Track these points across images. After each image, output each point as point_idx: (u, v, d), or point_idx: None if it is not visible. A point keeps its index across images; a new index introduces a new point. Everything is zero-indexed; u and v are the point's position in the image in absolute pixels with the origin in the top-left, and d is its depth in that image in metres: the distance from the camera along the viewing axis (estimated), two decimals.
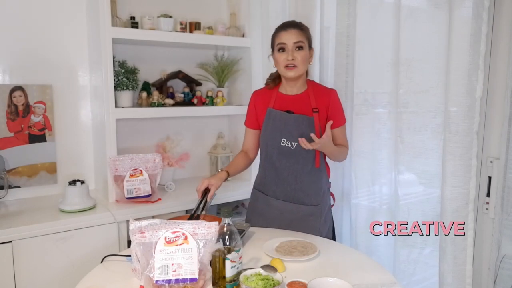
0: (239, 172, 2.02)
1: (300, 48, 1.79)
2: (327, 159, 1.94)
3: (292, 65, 1.78)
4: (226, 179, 1.88)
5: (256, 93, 2.01)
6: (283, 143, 1.84)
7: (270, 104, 1.91)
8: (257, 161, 2.05)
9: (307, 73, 1.93)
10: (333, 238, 1.99)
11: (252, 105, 1.99)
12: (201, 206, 1.76)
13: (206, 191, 1.80)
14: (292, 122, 1.83)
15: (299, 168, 1.86)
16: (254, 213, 1.99)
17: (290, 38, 1.78)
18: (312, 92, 1.87)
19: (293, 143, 1.83)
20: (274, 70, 1.93)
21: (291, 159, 1.85)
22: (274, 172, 1.90)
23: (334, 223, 2.03)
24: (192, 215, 1.72)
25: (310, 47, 1.85)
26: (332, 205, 2.02)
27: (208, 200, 1.78)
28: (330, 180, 1.98)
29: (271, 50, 1.89)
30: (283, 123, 1.85)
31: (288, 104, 1.88)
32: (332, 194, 2.02)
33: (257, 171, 2.04)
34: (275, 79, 1.94)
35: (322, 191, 1.90)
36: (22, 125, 2.19)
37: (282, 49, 1.80)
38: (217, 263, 1.28)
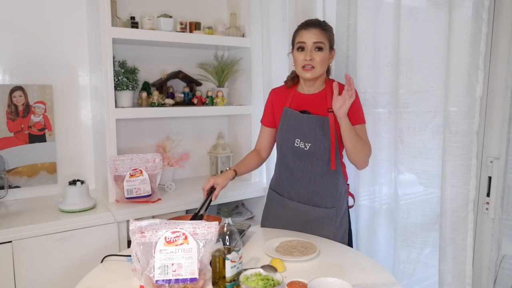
0: (249, 171, 2.01)
1: (319, 49, 1.74)
2: (345, 160, 1.87)
3: (310, 66, 1.74)
4: (233, 178, 1.87)
5: (274, 91, 1.98)
6: (297, 143, 1.81)
7: (287, 103, 1.87)
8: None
9: (328, 71, 1.89)
10: (350, 243, 1.93)
11: (269, 103, 1.96)
12: (206, 205, 1.75)
13: (211, 190, 1.79)
14: (306, 122, 1.80)
15: (313, 170, 1.81)
16: (270, 213, 1.97)
17: (310, 37, 1.74)
18: (330, 91, 1.81)
19: (306, 144, 1.79)
20: (292, 68, 1.89)
21: (305, 160, 1.82)
22: (289, 173, 1.87)
23: None
24: (196, 214, 1.71)
25: (331, 48, 1.81)
26: (352, 206, 1.97)
27: (213, 199, 1.77)
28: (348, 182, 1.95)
29: (291, 47, 1.85)
30: (297, 123, 1.82)
31: (304, 104, 1.84)
32: (352, 195, 1.98)
33: (257, 170, 2.04)
34: (294, 78, 1.91)
35: (338, 194, 1.85)
36: (22, 125, 2.19)
37: (301, 48, 1.76)
38: (217, 263, 1.28)
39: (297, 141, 1.81)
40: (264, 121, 1.99)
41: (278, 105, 1.91)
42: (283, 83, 1.96)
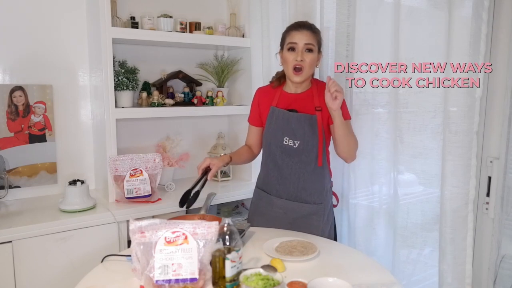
0: (242, 162, 2.04)
1: (309, 50, 1.79)
2: (331, 158, 1.94)
3: (300, 67, 1.78)
4: (227, 164, 1.90)
5: (260, 90, 2.02)
6: (285, 141, 1.85)
7: (274, 102, 1.91)
8: (258, 160, 2.05)
9: (313, 73, 1.94)
10: (335, 237, 2.00)
11: (256, 102, 2.00)
12: (201, 183, 1.77)
13: (206, 170, 1.81)
14: (295, 120, 1.83)
15: (301, 167, 1.86)
16: (257, 212, 1.99)
17: (301, 38, 1.78)
18: (316, 90, 1.87)
19: (295, 141, 1.83)
20: (280, 68, 1.93)
21: (293, 157, 1.86)
22: (277, 171, 1.90)
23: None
24: (190, 191, 1.72)
25: (319, 50, 1.85)
26: (336, 205, 2.02)
27: (208, 178, 1.78)
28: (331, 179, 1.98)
29: (279, 47, 1.88)
30: (286, 122, 1.85)
31: (291, 103, 1.88)
32: (335, 194, 2.02)
33: (257, 170, 2.04)
34: (280, 78, 1.94)
35: (325, 190, 1.90)
36: (22, 125, 2.19)
37: (292, 49, 1.80)
38: (217, 263, 1.28)
39: (286, 139, 1.84)
40: (251, 120, 2.03)
41: (265, 104, 1.94)
42: (269, 83, 2.00)
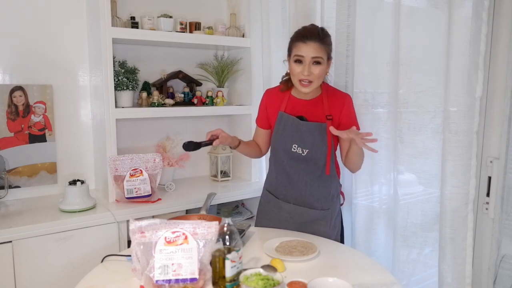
0: (247, 153, 2.00)
1: (317, 63, 1.71)
2: (341, 164, 1.93)
3: (307, 81, 1.72)
4: (235, 147, 1.89)
5: (268, 93, 1.96)
6: (294, 149, 1.82)
7: (282, 107, 1.86)
8: (259, 160, 2.04)
9: None
10: (342, 243, 1.97)
11: (264, 105, 1.96)
12: (206, 142, 1.79)
13: (214, 138, 1.81)
14: (305, 129, 1.80)
15: (309, 174, 1.84)
16: (265, 215, 1.98)
17: (308, 52, 1.69)
18: (326, 97, 1.82)
19: (304, 150, 1.80)
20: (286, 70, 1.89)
21: (301, 165, 1.83)
22: (285, 176, 1.88)
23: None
24: (191, 142, 1.75)
25: (329, 58, 1.77)
26: (342, 204, 2.00)
27: (213, 144, 1.80)
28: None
29: (287, 54, 1.81)
30: (295, 129, 1.81)
31: (300, 109, 1.84)
32: (342, 193, 2.01)
33: (258, 170, 2.04)
34: (288, 81, 1.87)
35: (331, 196, 1.88)
36: (22, 125, 2.19)
37: (298, 61, 1.72)
38: (217, 263, 1.28)
39: (295, 146, 1.82)
40: (259, 122, 1.99)
41: (272, 107, 1.91)
42: (279, 83, 1.95)
